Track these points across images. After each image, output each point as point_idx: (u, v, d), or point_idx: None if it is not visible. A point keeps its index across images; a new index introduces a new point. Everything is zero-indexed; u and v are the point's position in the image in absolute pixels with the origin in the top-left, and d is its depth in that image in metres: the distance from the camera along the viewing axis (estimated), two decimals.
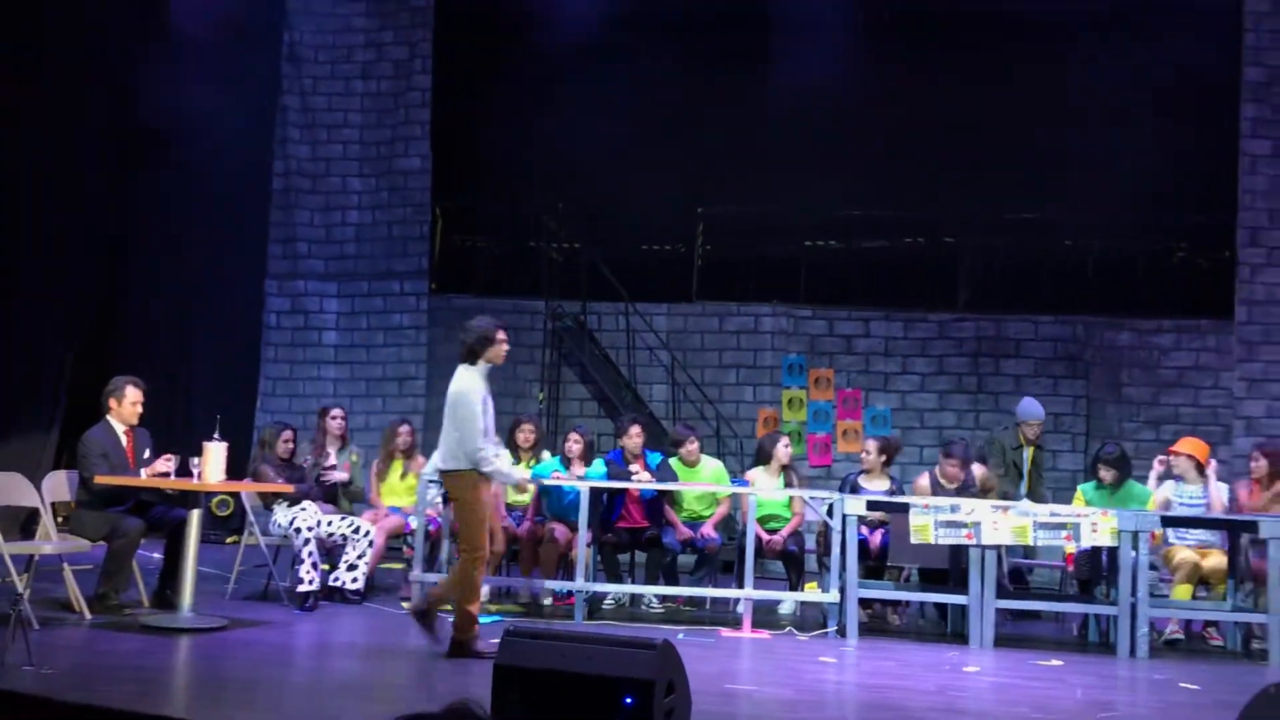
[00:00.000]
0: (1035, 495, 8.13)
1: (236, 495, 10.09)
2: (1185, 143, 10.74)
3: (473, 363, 5.82)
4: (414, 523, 7.40)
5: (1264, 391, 10.86)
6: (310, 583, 7.01)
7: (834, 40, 10.97)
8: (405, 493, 8.02)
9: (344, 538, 7.35)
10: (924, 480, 7.93)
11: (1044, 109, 11.10)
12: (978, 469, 7.92)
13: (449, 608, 5.88)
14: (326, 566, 7.37)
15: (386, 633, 6.56)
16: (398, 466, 8.15)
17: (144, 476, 6.51)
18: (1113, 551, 6.94)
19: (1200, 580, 7.36)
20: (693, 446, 7.96)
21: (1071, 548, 7.35)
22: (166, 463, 6.53)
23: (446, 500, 6.80)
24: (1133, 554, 6.71)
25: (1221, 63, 10.91)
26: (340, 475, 7.77)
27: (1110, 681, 6.05)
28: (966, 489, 7.62)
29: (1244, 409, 10.87)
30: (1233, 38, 10.98)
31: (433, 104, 12.02)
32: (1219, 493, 7.39)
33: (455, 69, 12.04)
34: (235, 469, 6.87)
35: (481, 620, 6.87)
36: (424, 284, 12.08)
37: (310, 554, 7.06)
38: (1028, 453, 8.42)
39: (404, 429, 8.21)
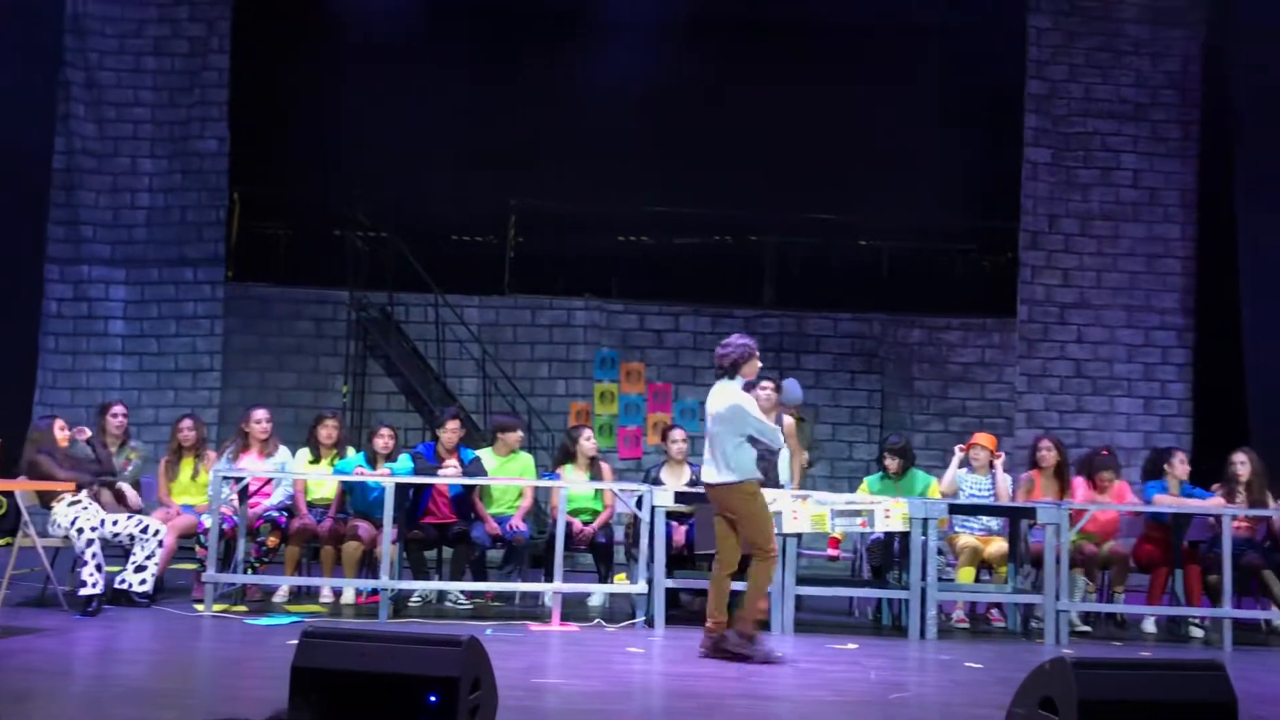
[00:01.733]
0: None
1: (10, 494, 9.43)
2: (973, 150, 11.33)
3: (732, 376, 6.12)
4: (207, 521, 7.09)
5: (1042, 386, 11.58)
6: (93, 585, 6.60)
7: (648, 39, 11.10)
8: (197, 491, 7.66)
9: (131, 537, 6.96)
10: None
11: (845, 113, 11.50)
12: (787, 419, 7.95)
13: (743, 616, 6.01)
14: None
15: (178, 637, 6.24)
16: (188, 464, 7.78)
17: None
18: (904, 538, 7.25)
19: (983, 565, 7.78)
20: (517, 436, 7.96)
21: (840, 534, 7.63)
22: None
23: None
24: (922, 539, 7.02)
25: (1007, 74, 11.56)
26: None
27: (901, 663, 6.32)
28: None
29: (1025, 402, 11.56)
30: (1017, 51, 11.65)
31: (231, 85, 11.50)
32: (1004, 484, 7.83)
33: (256, 50, 11.55)
34: (8, 466, 6.41)
35: (281, 621, 6.67)
36: (220, 271, 11.57)
37: (94, 555, 6.65)
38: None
39: (185, 424, 7.83)
